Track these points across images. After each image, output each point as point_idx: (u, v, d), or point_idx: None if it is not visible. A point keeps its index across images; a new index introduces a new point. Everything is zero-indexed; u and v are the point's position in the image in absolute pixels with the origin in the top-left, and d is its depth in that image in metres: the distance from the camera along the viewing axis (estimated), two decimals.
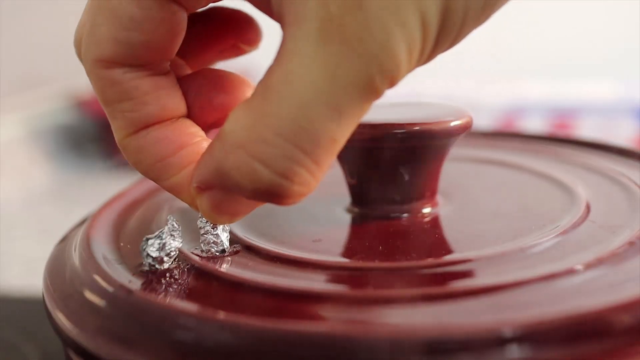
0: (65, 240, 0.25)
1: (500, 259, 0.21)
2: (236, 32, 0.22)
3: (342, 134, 0.17)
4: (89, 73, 0.19)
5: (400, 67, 0.16)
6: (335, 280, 0.20)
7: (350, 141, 0.24)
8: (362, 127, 0.23)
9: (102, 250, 0.23)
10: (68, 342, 0.20)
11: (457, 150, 0.25)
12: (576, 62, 0.80)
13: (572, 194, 0.26)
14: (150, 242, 0.21)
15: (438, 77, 0.74)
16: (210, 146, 0.18)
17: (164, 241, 0.21)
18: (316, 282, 0.20)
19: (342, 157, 0.25)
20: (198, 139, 0.21)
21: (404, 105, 0.26)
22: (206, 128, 0.21)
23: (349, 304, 0.19)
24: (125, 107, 0.20)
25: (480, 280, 0.20)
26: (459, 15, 0.16)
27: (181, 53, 0.21)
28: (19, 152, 0.69)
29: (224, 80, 0.22)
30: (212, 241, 0.22)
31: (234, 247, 0.22)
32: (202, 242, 0.22)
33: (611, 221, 0.23)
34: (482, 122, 0.71)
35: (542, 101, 0.72)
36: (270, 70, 0.17)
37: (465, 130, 0.24)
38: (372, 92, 0.17)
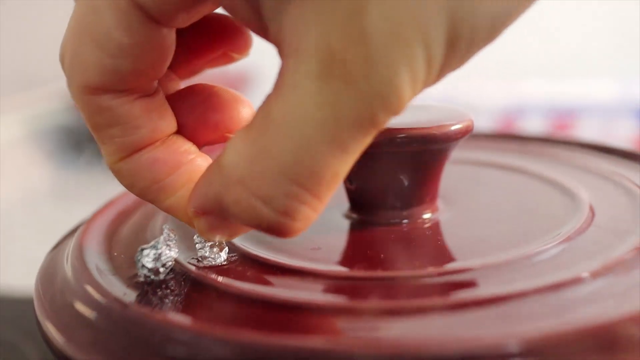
0: (57, 248, 0.25)
1: (504, 268, 0.20)
2: (225, 40, 0.21)
3: (344, 168, 0.17)
4: (74, 98, 0.19)
5: (404, 101, 0.16)
6: (335, 291, 0.20)
7: None
8: None
9: (95, 259, 0.22)
10: (58, 355, 0.19)
11: (457, 153, 0.25)
12: (576, 62, 0.80)
13: (575, 198, 0.25)
14: (145, 252, 0.20)
15: None
16: (208, 174, 0.18)
17: (159, 251, 0.20)
18: (316, 293, 0.20)
19: None
20: (192, 157, 0.20)
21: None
22: (200, 145, 0.21)
23: (349, 317, 0.18)
24: (115, 133, 0.19)
25: (484, 290, 0.19)
26: (466, 40, 0.16)
27: (169, 64, 0.20)
28: (19, 152, 0.69)
29: (217, 98, 0.21)
30: (208, 251, 0.21)
31: (231, 256, 0.22)
32: (198, 252, 0.21)
33: (616, 226, 0.23)
34: (482, 122, 0.71)
35: (542, 101, 0.72)
36: (270, 101, 0.17)
37: (467, 133, 0.24)
38: (374, 126, 0.16)
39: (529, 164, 0.29)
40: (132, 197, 0.27)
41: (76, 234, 0.24)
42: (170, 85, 0.21)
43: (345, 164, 0.17)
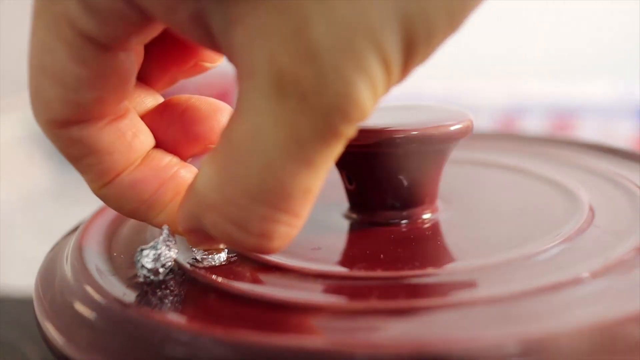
0: (56, 248, 0.24)
1: (504, 268, 0.20)
2: (195, 50, 0.21)
3: (315, 182, 0.16)
4: (44, 133, 0.19)
5: (365, 108, 0.15)
6: (335, 291, 0.20)
7: (348, 146, 0.23)
8: (361, 132, 0.23)
9: (94, 260, 0.22)
10: (58, 355, 0.19)
11: (456, 153, 0.25)
12: (576, 62, 0.80)
13: (575, 198, 0.25)
14: (145, 252, 0.20)
15: (437, 78, 0.74)
16: (187, 196, 0.18)
17: (159, 252, 0.20)
18: (316, 294, 0.20)
19: (340, 163, 0.24)
20: (175, 169, 0.20)
21: (403, 108, 0.26)
22: (185, 159, 0.21)
23: (349, 317, 0.18)
24: (91, 161, 0.19)
25: (484, 290, 0.19)
26: (424, 38, 0.15)
27: (141, 77, 0.20)
28: (19, 152, 0.69)
29: (195, 110, 0.21)
30: (207, 251, 0.21)
31: (231, 256, 0.22)
32: (197, 253, 0.21)
33: (616, 226, 0.23)
34: (482, 122, 0.71)
35: (542, 101, 0.72)
36: (231, 125, 0.16)
37: (466, 134, 0.24)
38: (337, 137, 0.16)
39: (529, 164, 0.29)
40: None
41: (76, 234, 0.24)
42: (147, 100, 0.21)
43: (315, 178, 0.16)
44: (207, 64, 0.21)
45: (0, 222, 0.55)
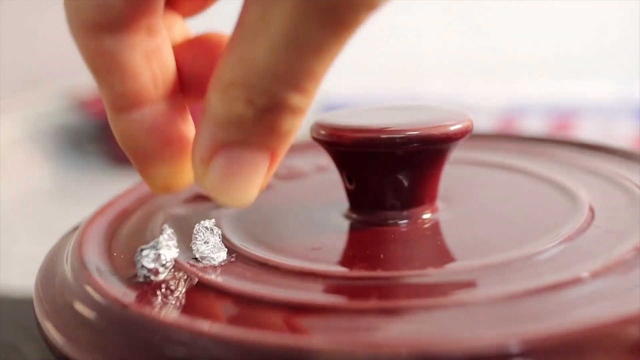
0: (56, 248, 0.24)
1: (504, 268, 0.20)
2: None
3: (324, 68, 0.17)
4: (75, 41, 0.18)
5: (378, 3, 0.15)
6: (335, 291, 0.20)
7: (348, 146, 0.23)
8: (361, 131, 0.23)
9: (94, 260, 0.22)
10: (58, 355, 0.19)
11: (456, 153, 0.25)
12: (576, 62, 0.80)
13: (575, 198, 0.25)
14: (144, 252, 0.20)
15: (437, 78, 0.74)
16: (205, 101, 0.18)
17: (159, 252, 0.20)
18: (316, 294, 0.20)
19: (341, 163, 0.25)
20: (190, 126, 0.20)
21: (403, 108, 0.26)
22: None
23: (349, 316, 0.18)
24: (115, 80, 0.18)
25: (484, 290, 0.19)
26: None
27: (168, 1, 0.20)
28: (19, 152, 0.69)
29: (224, 44, 0.20)
30: (207, 251, 0.21)
31: (231, 256, 0.22)
32: (196, 252, 0.21)
33: (616, 226, 0.23)
34: (482, 122, 0.71)
35: (542, 101, 0.72)
36: (243, 10, 0.17)
37: (466, 134, 0.24)
38: (345, 25, 0.16)
39: (529, 164, 0.29)
40: (129, 199, 0.27)
41: (76, 234, 0.24)
42: (176, 29, 0.20)
43: (323, 63, 0.16)
44: None
45: (0, 222, 0.55)
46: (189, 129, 0.20)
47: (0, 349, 0.35)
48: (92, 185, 0.65)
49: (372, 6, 0.16)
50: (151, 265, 0.20)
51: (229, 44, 0.17)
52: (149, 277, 0.20)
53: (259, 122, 0.17)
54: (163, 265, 0.20)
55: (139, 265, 0.20)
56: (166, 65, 0.19)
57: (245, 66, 0.16)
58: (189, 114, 0.20)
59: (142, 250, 0.20)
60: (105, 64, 0.18)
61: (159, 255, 0.20)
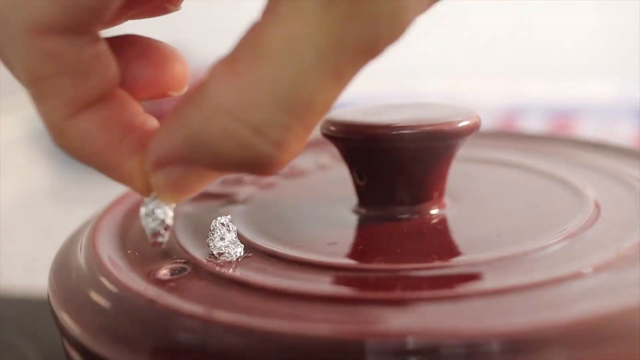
0: (70, 240, 0.25)
1: (511, 261, 0.20)
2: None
3: (336, 98, 0.16)
4: (14, 43, 0.16)
5: (406, 26, 0.15)
6: (354, 283, 0.20)
7: (359, 142, 0.24)
8: (373, 128, 0.24)
9: (108, 251, 0.22)
10: (72, 342, 0.20)
11: (462, 151, 0.25)
12: (576, 62, 0.80)
13: (580, 194, 0.25)
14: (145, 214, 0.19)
15: (437, 78, 0.74)
16: (177, 114, 0.16)
17: (158, 213, 0.19)
18: (326, 285, 0.20)
19: (352, 160, 0.25)
20: (143, 118, 0.18)
21: (411, 105, 0.26)
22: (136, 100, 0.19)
23: (360, 307, 0.18)
24: (64, 83, 0.16)
25: (492, 282, 0.19)
26: None
27: None
28: (19, 152, 0.69)
29: (156, 52, 0.19)
30: (224, 247, 0.22)
31: (248, 252, 0.22)
32: (213, 248, 0.22)
33: (622, 221, 0.23)
34: (483, 122, 0.71)
35: (542, 101, 0.72)
36: (262, 28, 0.15)
37: (474, 130, 0.24)
38: (375, 53, 0.15)
39: (534, 161, 0.30)
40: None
41: (89, 227, 0.25)
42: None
43: (338, 92, 0.16)
44: (170, 6, 0.20)
45: (0, 222, 0.55)
46: (144, 117, 0.19)
47: (0, 348, 0.35)
48: (92, 185, 0.65)
49: (398, 38, 0.15)
50: (158, 227, 0.19)
51: (230, 65, 0.16)
52: (157, 233, 0.19)
53: (258, 147, 0.16)
54: (167, 217, 0.19)
55: (147, 226, 0.19)
56: (112, 63, 0.18)
57: (257, 92, 0.15)
58: (138, 104, 0.19)
59: (146, 214, 0.19)
60: (53, 66, 0.16)
61: (162, 212, 0.19)
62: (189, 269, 0.21)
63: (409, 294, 0.19)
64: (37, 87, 0.17)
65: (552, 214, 0.24)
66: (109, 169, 0.18)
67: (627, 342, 0.17)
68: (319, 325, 0.17)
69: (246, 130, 0.16)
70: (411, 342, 0.16)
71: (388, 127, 0.23)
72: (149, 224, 0.19)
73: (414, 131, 0.23)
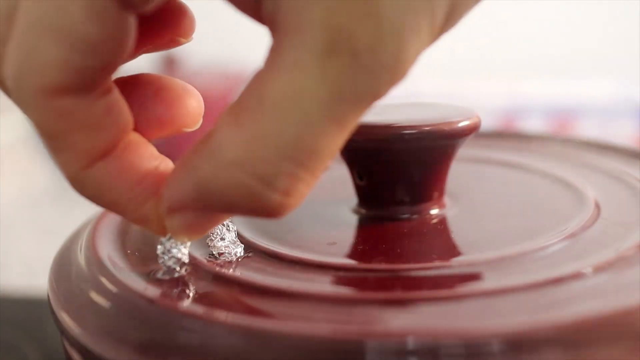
0: (70, 240, 0.25)
1: (512, 261, 0.20)
2: (172, 24, 0.20)
3: (341, 143, 0.16)
4: (26, 104, 0.17)
5: (408, 71, 0.16)
6: (354, 283, 0.20)
7: (359, 142, 0.24)
8: (372, 128, 0.23)
9: (108, 251, 0.22)
10: (72, 343, 0.20)
11: (461, 151, 0.25)
12: (576, 62, 0.80)
13: (580, 194, 0.25)
14: (160, 253, 0.20)
15: (438, 77, 0.74)
16: (187, 164, 0.17)
17: (173, 254, 0.20)
18: (326, 285, 0.20)
19: (352, 160, 0.25)
20: (158, 161, 0.19)
21: (411, 105, 0.26)
22: (150, 139, 0.20)
23: (359, 307, 0.18)
24: (78, 138, 0.17)
25: (491, 283, 0.19)
26: (460, 12, 0.16)
27: None
28: (19, 152, 0.69)
29: (169, 91, 0.20)
30: (224, 247, 0.22)
31: (248, 252, 0.22)
32: (213, 249, 0.22)
33: (622, 221, 0.23)
34: (483, 122, 0.71)
35: (542, 101, 0.72)
36: (265, 80, 0.16)
37: (474, 130, 0.24)
38: (377, 98, 0.16)
39: (534, 161, 0.30)
40: None
41: (89, 227, 0.25)
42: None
43: (342, 139, 0.16)
44: (181, 39, 0.20)
45: (0, 222, 0.55)
46: (159, 160, 0.19)
47: (0, 349, 0.35)
48: None
49: (400, 82, 0.16)
50: (174, 265, 0.20)
51: (236, 115, 0.16)
52: (173, 270, 0.20)
53: (252, 203, 0.16)
54: (184, 255, 0.20)
55: (162, 262, 0.20)
56: (124, 110, 0.18)
57: (262, 144, 0.16)
58: (152, 147, 0.19)
59: (163, 252, 0.20)
60: (65, 124, 0.17)
61: (179, 249, 0.20)
62: (189, 269, 0.21)
63: (409, 294, 0.19)
64: (52, 143, 0.17)
65: (552, 214, 0.24)
66: (126, 214, 0.19)
67: (627, 342, 0.17)
68: (319, 325, 0.17)
69: (254, 182, 0.16)
70: (411, 342, 0.16)
71: (388, 127, 0.24)
72: (166, 262, 0.20)
73: (414, 131, 0.23)
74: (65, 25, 0.15)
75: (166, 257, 0.20)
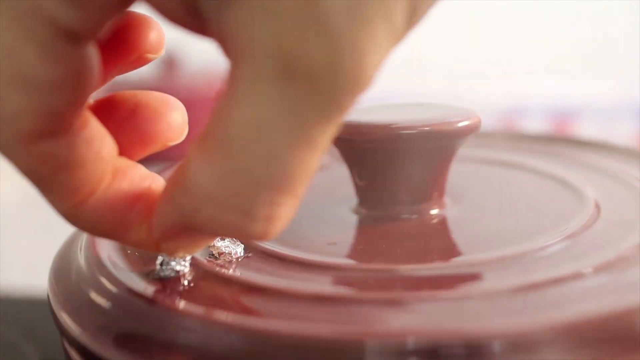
0: (70, 240, 0.25)
1: (511, 261, 0.20)
2: (136, 42, 0.19)
3: (317, 161, 0.16)
4: (7, 153, 0.16)
5: (371, 82, 0.15)
6: (355, 283, 0.20)
7: (359, 142, 0.24)
8: (373, 128, 0.24)
9: (108, 251, 0.22)
10: (72, 343, 0.20)
11: (461, 151, 0.25)
12: (576, 62, 0.80)
13: (580, 194, 0.25)
14: (163, 264, 0.20)
15: (437, 78, 0.74)
16: (169, 198, 0.17)
17: (176, 263, 0.20)
18: (327, 285, 0.20)
19: (352, 160, 0.25)
20: (148, 182, 0.19)
21: (411, 106, 0.26)
22: (136, 159, 0.19)
23: (360, 307, 0.18)
24: (62, 178, 0.17)
25: (491, 283, 0.19)
26: (423, 10, 0.15)
27: None
28: None
29: (147, 107, 0.19)
30: (224, 247, 0.22)
31: (248, 252, 0.22)
32: (213, 249, 0.22)
33: (622, 222, 0.23)
34: (483, 122, 0.71)
35: (542, 101, 0.72)
36: (227, 111, 0.15)
37: (475, 130, 0.24)
38: (343, 113, 0.15)
39: (534, 161, 0.30)
40: None
41: None
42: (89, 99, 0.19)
43: (317, 157, 0.16)
44: (151, 55, 0.20)
45: (0, 222, 0.54)
46: (149, 180, 0.19)
47: (0, 348, 0.35)
48: None
49: (365, 91, 0.15)
50: (172, 274, 0.20)
51: (206, 149, 0.15)
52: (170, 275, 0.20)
53: (244, 230, 0.16)
54: (183, 266, 0.20)
55: (160, 274, 0.20)
56: (107, 140, 0.18)
57: (234, 178, 0.15)
58: (141, 167, 0.19)
59: (161, 263, 0.20)
60: (48, 167, 0.16)
61: (178, 261, 0.20)
62: (189, 269, 0.21)
63: (409, 294, 0.19)
64: (40, 186, 0.17)
65: (552, 214, 0.24)
66: (122, 240, 0.19)
67: (627, 342, 0.17)
68: (319, 325, 0.17)
69: (234, 215, 0.16)
70: (411, 342, 0.16)
71: (388, 127, 0.24)
72: (165, 272, 0.20)
73: (414, 131, 0.23)
74: (20, 71, 0.15)
75: (164, 268, 0.20)
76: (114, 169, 0.18)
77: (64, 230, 0.26)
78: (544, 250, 0.21)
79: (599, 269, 0.19)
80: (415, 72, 0.78)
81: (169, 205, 0.17)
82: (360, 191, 0.26)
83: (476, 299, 0.18)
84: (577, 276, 0.19)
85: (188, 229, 0.17)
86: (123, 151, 0.19)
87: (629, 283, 0.18)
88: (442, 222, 0.24)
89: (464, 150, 0.26)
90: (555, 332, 0.16)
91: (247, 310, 0.19)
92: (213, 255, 0.22)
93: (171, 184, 0.17)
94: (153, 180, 0.19)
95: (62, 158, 0.16)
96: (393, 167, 0.24)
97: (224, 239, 0.22)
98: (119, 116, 0.19)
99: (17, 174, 0.17)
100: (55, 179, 0.17)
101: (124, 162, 0.19)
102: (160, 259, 0.20)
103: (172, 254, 0.19)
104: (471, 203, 0.26)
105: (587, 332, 0.16)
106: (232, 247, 0.22)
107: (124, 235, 0.18)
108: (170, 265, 0.20)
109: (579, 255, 0.20)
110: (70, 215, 0.18)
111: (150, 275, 0.21)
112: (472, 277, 0.20)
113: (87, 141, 0.17)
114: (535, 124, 0.72)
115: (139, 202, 0.18)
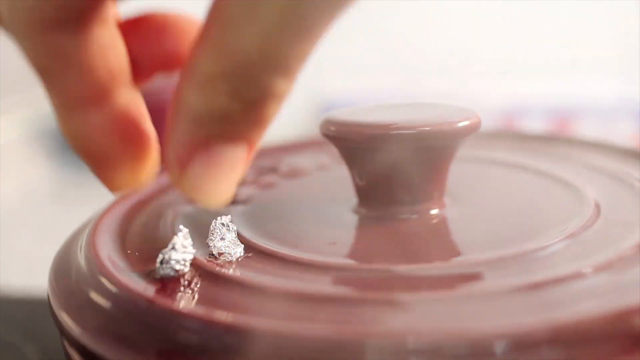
0: (70, 240, 0.25)
1: (511, 261, 0.20)
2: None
3: (312, 49, 0.16)
4: (20, 38, 0.16)
5: None
6: (354, 283, 0.20)
7: (359, 142, 0.24)
8: (373, 128, 0.24)
9: (108, 251, 0.23)
10: (72, 343, 0.20)
11: (461, 151, 0.25)
12: (576, 62, 0.80)
13: (580, 194, 0.25)
14: (164, 261, 0.20)
15: (438, 77, 0.74)
16: (179, 100, 0.16)
17: (177, 257, 0.20)
18: (326, 285, 0.20)
19: (352, 160, 0.25)
20: (147, 125, 0.18)
21: (411, 106, 0.26)
22: (153, 74, 0.19)
23: (360, 307, 0.18)
24: (69, 76, 0.17)
25: (491, 283, 0.19)
26: None
27: None
28: (19, 152, 0.69)
29: (176, 26, 0.19)
30: (224, 247, 0.22)
31: (248, 252, 0.22)
32: (213, 249, 0.22)
33: (622, 222, 0.23)
34: (482, 122, 0.71)
35: (542, 101, 0.73)
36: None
37: (475, 130, 0.24)
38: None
39: (534, 161, 0.30)
40: (141, 193, 0.27)
41: (89, 227, 0.25)
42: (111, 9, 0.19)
43: (312, 43, 0.16)
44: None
45: (0, 222, 0.54)
46: (147, 122, 0.19)
47: (0, 348, 0.35)
48: (92, 185, 0.65)
49: None
50: (172, 273, 0.20)
51: (205, 34, 0.16)
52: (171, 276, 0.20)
53: (245, 114, 0.16)
54: (183, 266, 0.20)
55: (160, 272, 0.20)
56: (120, 54, 0.18)
57: (230, 57, 0.15)
58: (144, 106, 0.19)
59: (161, 261, 0.20)
60: (57, 62, 0.17)
61: (178, 260, 0.20)
62: (189, 268, 0.21)
63: (410, 294, 0.19)
64: (44, 79, 0.17)
65: (552, 214, 0.24)
66: (96, 169, 0.18)
67: (627, 342, 0.17)
68: (319, 325, 0.17)
69: (227, 99, 0.16)
70: (411, 342, 0.16)
71: (388, 127, 0.24)
72: (164, 270, 0.20)
73: (413, 131, 0.23)
74: None
75: (165, 266, 0.20)
76: (124, 96, 0.18)
77: (64, 230, 0.26)
78: (544, 250, 0.21)
79: (599, 269, 0.19)
80: (415, 72, 0.78)
81: (180, 110, 0.16)
82: (360, 191, 0.26)
83: (476, 299, 0.18)
84: (577, 276, 0.19)
85: (203, 145, 0.17)
86: (145, 68, 0.19)
87: (629, 283, 0.19)
88: (442, 222, 0.24)
89: (464, 150, 0.26)
90: (555, 332, 0.16)
91: (247, 311, 0.19)
92: (213, 255, 0.22)
93: (178, 87, 0.17)
94: (151, 129, 0.19)
95: (72, 56, 0.16)
96: (393, 167, 0.24)
97: (224, 239, 0.22)
98: (146, 31, 0.19)
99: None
100: (60, 74, 0.17)
101: (137, 99, 0.18)
102: (160, 257, 0.20)
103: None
104: (471, 203, 0.26)
105: (587, 332, 0.16)
106: (232, 247, 0.22)
107: (108, 170, 0.18)
108: (170, 264, 0.20)
109: (579, 255, 0.20)
110: (64, 120, 0.17)
111: (150, 275, 0.21)
112: (472, 277, 0.20)
113: (101, 46, 0.17)
114: (535, 124, 0.72)
115: (138, 140, 0.18)
